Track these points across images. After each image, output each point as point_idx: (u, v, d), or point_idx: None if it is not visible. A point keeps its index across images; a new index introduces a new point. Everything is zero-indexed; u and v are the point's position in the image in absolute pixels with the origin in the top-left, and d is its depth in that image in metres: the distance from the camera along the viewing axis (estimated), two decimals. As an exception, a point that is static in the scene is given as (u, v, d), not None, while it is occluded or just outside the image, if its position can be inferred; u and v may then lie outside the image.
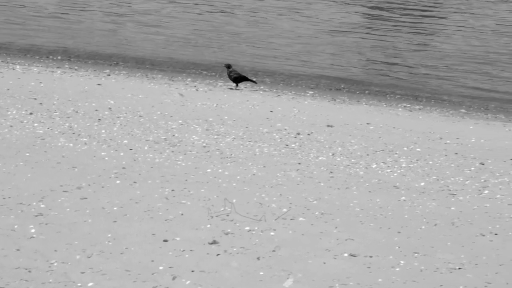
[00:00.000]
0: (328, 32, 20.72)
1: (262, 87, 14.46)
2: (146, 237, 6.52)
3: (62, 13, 22.40)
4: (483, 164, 9.36)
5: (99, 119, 10.36)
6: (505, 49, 19.12)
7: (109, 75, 14.51)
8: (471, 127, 11.92)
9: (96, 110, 10.87)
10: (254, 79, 13.98)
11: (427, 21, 23.22)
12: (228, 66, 13.77)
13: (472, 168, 9.17)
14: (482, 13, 24.71)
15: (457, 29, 21.90)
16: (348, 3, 25.81)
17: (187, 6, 24.12)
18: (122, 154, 8.86)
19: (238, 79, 13.69)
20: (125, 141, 9.40)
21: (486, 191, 8.29)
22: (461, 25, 22.36)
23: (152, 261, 6.07)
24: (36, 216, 6.87)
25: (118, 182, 7.88)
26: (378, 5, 25.81)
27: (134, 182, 7.91)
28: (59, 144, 9.09)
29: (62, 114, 10.51)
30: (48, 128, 9.76)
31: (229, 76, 13.77)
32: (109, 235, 6.53)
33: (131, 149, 9.06)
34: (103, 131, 9.79)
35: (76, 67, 15.18)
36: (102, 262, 6.02)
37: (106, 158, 8.66)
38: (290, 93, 14.02)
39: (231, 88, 13.78)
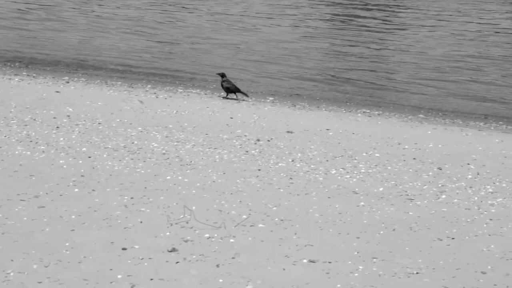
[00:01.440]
0: (291, 39, 20.80)
1: (222, 93, 14.45)
2: (105, 245, 6.48)
3: (20, 20, 22.17)
4: (440, 169, 9.47)
5: (58, 127, 10.27)
6: (464, 54, 19.37)
7: (68, 82, 14.39)
8: (429, 132, 12.04)
9: (54, 117, 10.78)
10: (246, 92, 13.88)
11: (389, 27, 23.42)
12: (222, 75, 13.74)
13: (430, 173, 9.26)
14: (446, 18, 25.00)
15: (418, 34, 22.12)
16: (316, 7, 25.94)
17: (159, 12, 24.04)
18: (80, 162, 8.79)
19: (230, 89, 13.65)
20: (84, 148, 9.33)
21: (444, 196, 8.38)
22: (423, 30, 22.59)
23: (111, 269, 6.03)
24: (-7, 225, 6.78)
25: (76, 190, 7.82)
26: (345, 11, 25.99)
27: (93, 190, 7.85)
28: (16, 152, 8.99)
29: (20, 122, 10.39)
30: (5, 136, 9.64)
31: (222, 86, 13.73)
32: (67, 244, 6.47)
33: (89, 157, 9.00)
34: (62, 139, 9.70)
35: (34, 74, 15.03)
36: (59, 271, 5.96)
37: (65, 166, 8.59)
38: (250, 100, 14.03)
39: (225, 97, 13.75)
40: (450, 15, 25.61)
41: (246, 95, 13.82)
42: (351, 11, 26.13)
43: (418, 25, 23.59)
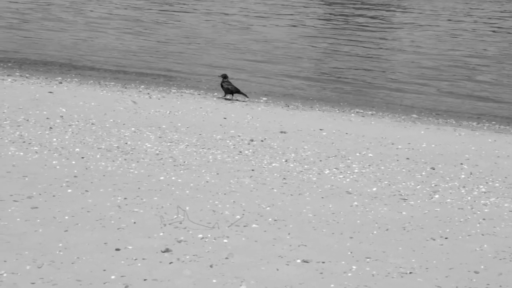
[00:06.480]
0: (285, 38, 20.81)
1: (215, 93, 14.46)
2: (98, 246, 6.47)
3: (14, 20, 22.13)
4: (433, 169, 9.48)
5: (51, 128, 10.25)
6: (459, 54, 19.40)
7: (61, 82, 14.37)
8: (422, 132, 12.06)
9: (48, 118, 10.76)
10: (246, 93, 13.84)
11: (383, 26, 23.45)
12: (225, 77, 13.74)
13: (423, 173, 9.28)
14: (441, 17, 25.04)
15: (412, 34, 22.15)
16: (311, 7, 25.97)
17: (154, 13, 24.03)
18: (73, 162, 8.78)
19: (230, 90, 13.65)
20: (77, 149, 9.32)
21: (437, 196, 8.40)
22: (418, 30, 22.62)
23: (104, 270, 6.02)
24: (-14, 226, 6.76)
25: (69, 191, 7.81)
26: (339, 10, 26.02)
27: (86, 190, 7.84)
28: (9, 153, 8.97)
29: (13, 122, 10.37)
30: (-2, 136, 9.63)
31: (222, 86, 13.74)
32: (60, 244, 6.46)
33: (83, 158, 8.98)
34: (55, 139, 9.69)
35: (27, 75, 15.00)
36: (53, 272, 5.95)
37: (58, 167, 8.57)
38: (243, 100, 14.03)
39: (226, 99, 13.73)
40: (446, 15, 25.65)
41: (246, 96, 13.81)
42: (345, 11, 26.16)
43: (413, 25, 23.62)
